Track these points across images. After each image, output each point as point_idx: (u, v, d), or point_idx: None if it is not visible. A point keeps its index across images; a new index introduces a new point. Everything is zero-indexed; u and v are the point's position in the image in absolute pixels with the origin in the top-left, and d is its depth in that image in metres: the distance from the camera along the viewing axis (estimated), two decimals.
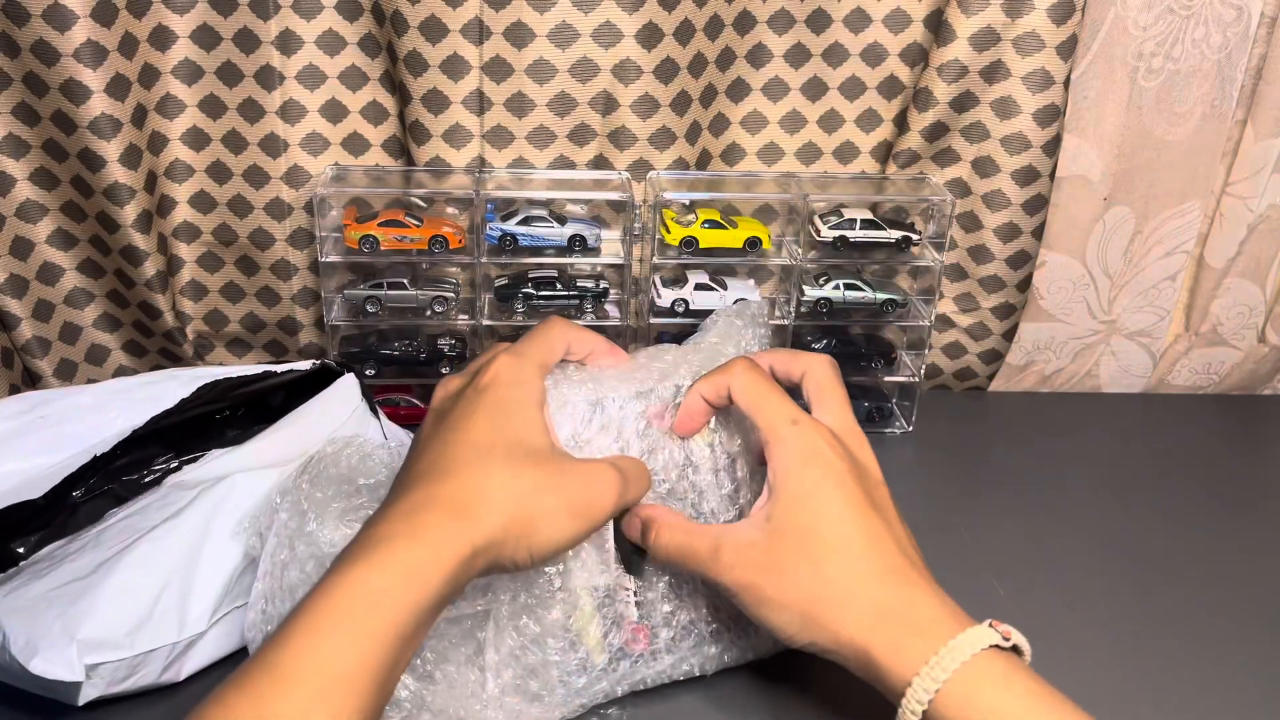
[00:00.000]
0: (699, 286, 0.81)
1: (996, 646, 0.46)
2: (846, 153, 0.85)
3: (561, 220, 0.80)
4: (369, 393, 0.71)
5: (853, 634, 0.47)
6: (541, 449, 0.50)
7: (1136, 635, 0.65)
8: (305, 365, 0.71)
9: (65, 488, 0.62)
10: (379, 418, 0.70)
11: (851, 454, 0.52)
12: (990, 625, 0.46)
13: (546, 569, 0.53)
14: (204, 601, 0.57)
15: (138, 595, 0.55)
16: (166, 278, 0.81)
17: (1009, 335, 0.91)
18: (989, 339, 0.91)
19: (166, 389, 0.68)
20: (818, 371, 0.56)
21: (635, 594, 0.56)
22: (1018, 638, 0.47)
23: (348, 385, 0.69)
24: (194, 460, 0.64)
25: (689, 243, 0.80)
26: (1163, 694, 0.61)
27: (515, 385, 0.52)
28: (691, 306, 0.81)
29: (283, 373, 0.70)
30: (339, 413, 0.67)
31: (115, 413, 0.66)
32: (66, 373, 0.84)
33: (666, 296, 0.81)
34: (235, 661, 0.59)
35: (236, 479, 0.61)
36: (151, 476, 0.64)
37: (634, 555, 0.56)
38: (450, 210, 0.81)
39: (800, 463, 0.51)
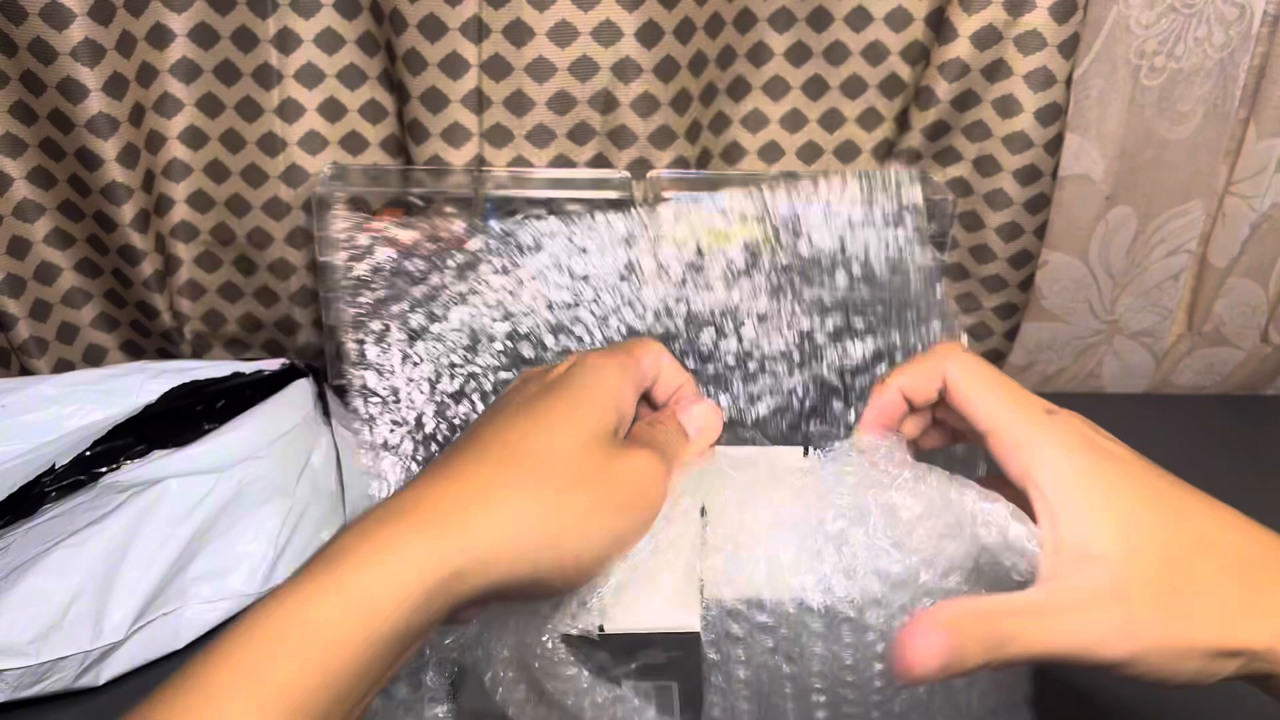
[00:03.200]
0: None
1: None
2: (847, 152, 0.85)
3: None
4: (325, 398, 0.70)
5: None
6: (576, 448, 0.40)
7: None
8: (275, 364, 0.71)
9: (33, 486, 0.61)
10: (330, 425, 0.68)
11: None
12: None
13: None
14: (123, 609, 0.56)
15: (47, 602, 0.54)
16: (164, 277, 0.81)
17: (1011, 335, 0.90)
18: (991, 339, 0.90)
19: (133, 382, 0.67)
20: (963, 363, 0.42)
21: None
22: None
23: (300, 390, 0.68)
24: (137, 458, 0.63)
25: None
26: (1162, 694, 0.60)
27: (587, 373, 0.43)
28: None
29: (251, 373, 0.70)
30: (288, 418, 0.66)
31: (78, 404, 0.66)
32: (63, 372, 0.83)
33: None
34: (159, 668, 0.59)
35: (170, 484, 0.60)
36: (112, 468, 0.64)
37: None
38: (449, 209, 0.80)
39: (1081, 462, 0.37)
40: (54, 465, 0.62)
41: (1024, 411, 0.39)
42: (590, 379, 0.43)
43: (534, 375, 0.46)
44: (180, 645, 0.60)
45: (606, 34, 0.75)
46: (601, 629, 0.42)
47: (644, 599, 0.43)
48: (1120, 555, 0.37)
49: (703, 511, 0.45)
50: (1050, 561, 0.37)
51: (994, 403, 0.40)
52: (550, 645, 0.43)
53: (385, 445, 0.52)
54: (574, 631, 0.42)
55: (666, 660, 0.45)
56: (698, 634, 0.44)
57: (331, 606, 0.34)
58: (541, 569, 0.38)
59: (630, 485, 0.41)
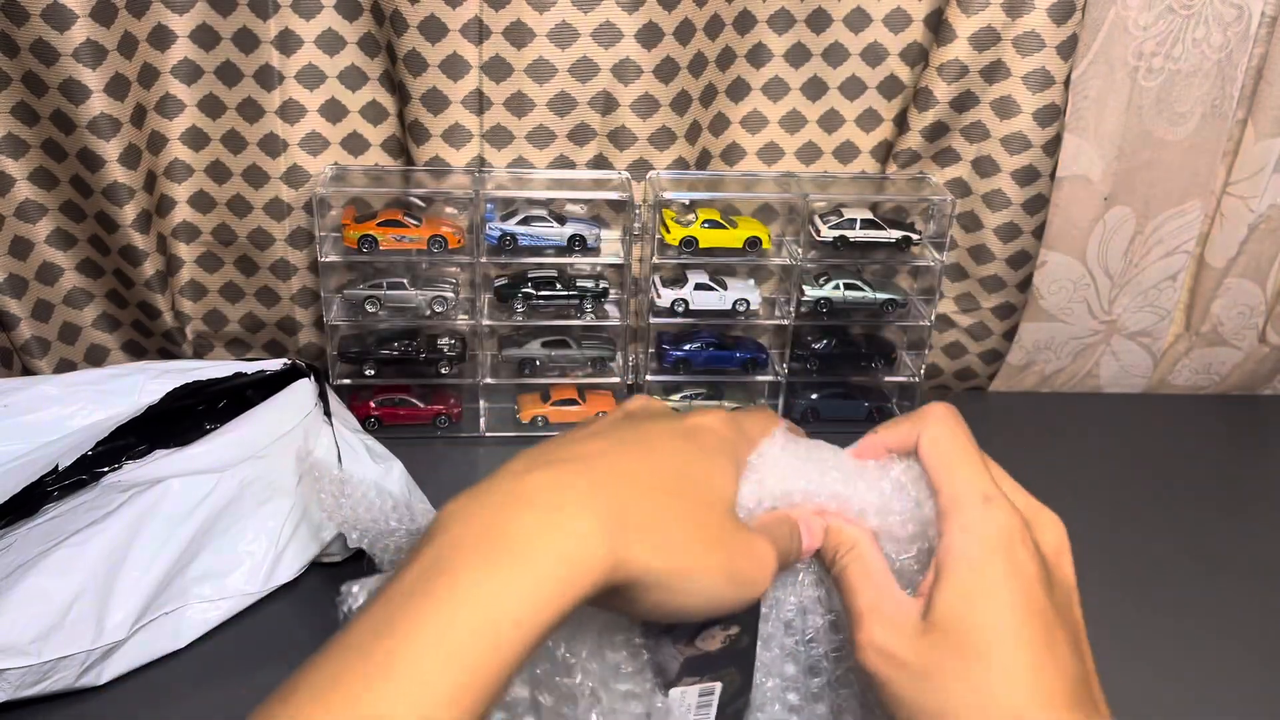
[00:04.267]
0: (699, 286, 0.81)
1: None
2: (846, 152, 0.85)
3: (561, 220, 0.80)
4: (326, 397, 0.70)
5: None
6: (722, 501, 0.43)
7: (1136, 635, 0.65)
8: (276, 364, 0.71)
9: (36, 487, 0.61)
10: (332, 425, 0.69)
11: (1041, 550, 0.44)
12: None
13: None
14: (125, 608, 0.56)
15: (49, 601, 0.54)
16: (166, 278, 0.81)
17: (1009, 335, 0.90)
18: (989, 339, 0.90)
19: (134, 382, 0.67)
20: (935, 431, 0.46)
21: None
22: None
23: (301, 389, 0.68)
24: (139, 458, 0.63)
25: (689, 242, 0.79)
26: (1162, 694, 0.61)
27: (724, 438, 0.45)
28: (691, 306, 0.81)
29: (252, 373, 0.70)
30: (289, 418, 0.66)
31: (80, 404, 0.66)
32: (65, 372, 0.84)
33: (666, 296, 0.81)
34: (161, 667, 0.59)
35: (171, 484, 0.60)
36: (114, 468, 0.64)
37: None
38: (449, 210, 0.81)
39: (984, 553, 0.42)
40: (56, 465, 0.62)
41: (967, 488, 0.44)
42: (719, 446, 0.45)
43: (659, 410, 0.47)
44: (182, 644, 0.60)
45: (606, 35, 0.75)
46: None
47: None
48: (939, 626, 0.42)
49: None
50: (916, 598, 0.43)
51: (948, 470, 0.45)
52: (626, 640, 0.44)
53: None
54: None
55: (724, 644, 0.46)
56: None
57: (515, 600, 0.34)
58: (648, 597, 0.39)
59: (748, 564, 0.42)
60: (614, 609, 0.40)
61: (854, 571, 0.45)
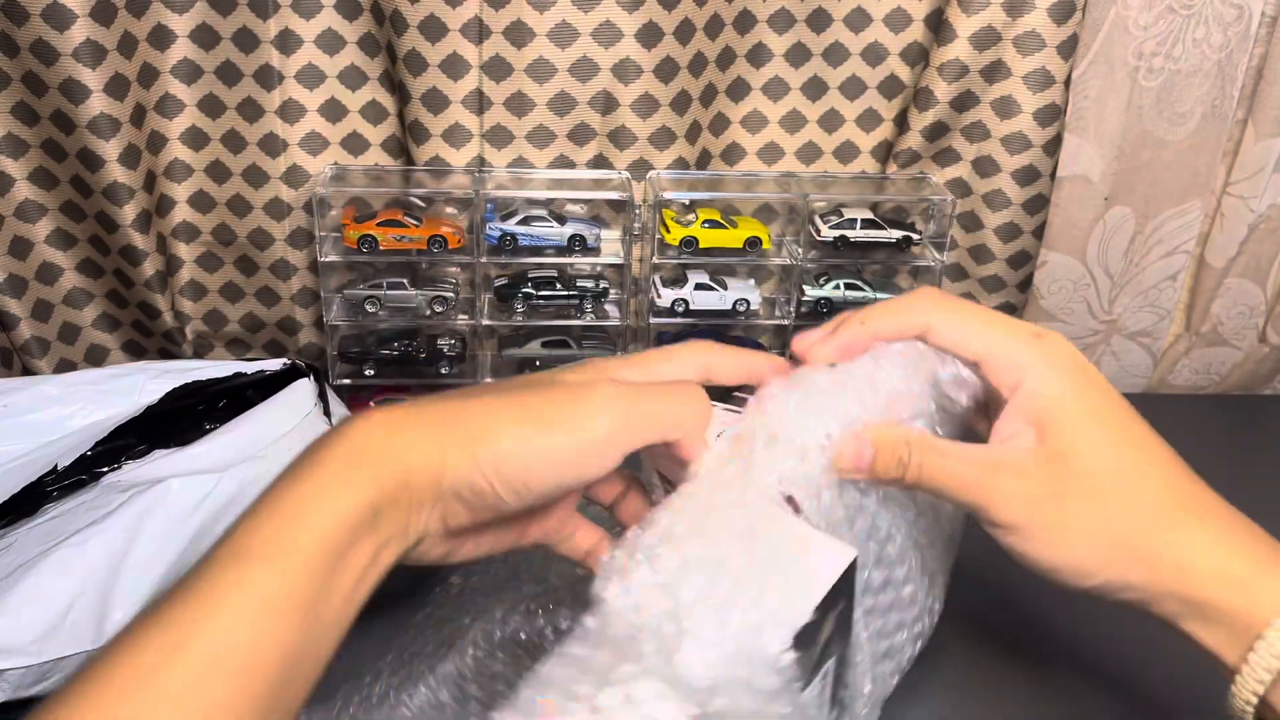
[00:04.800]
0: (699, 286, 0.81)
1: None
2: (847, 152, 0.85)
3: (561, 220, 0.80)
4: (326, 397, 0.70)
5: (1186, 558, 0.41)
6: (551, 380, 0.42)
7: (1135, 634, 0.65)
8: (276, 364, 0.71)
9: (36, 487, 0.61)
10: (332, 424, 0.68)
11: None
12: None
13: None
14: (125, 609, 0.56)
15: (50, 601, 0.54)
16: (166, 278, 0.81)
17: None
18: None
19: (135, 382, 0.67)
20: (942, 314, 0.45)
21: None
22: None
23: (302, 389, 0.68)
24: (139, 458, 0.63)
25: (689, 242, 0.79)
26: (1160, 693, 0.61)
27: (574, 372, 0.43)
28: (691, 306, 0.81)
29: (252, 373, 0.70)
30: (289, 418, 0.66)
31: (80, 404, 0.66)
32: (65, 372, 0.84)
33: (666, 296, 0.81)
34: None
35: (171, 483, 0.60)
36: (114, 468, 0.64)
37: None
38: (449, 210, 0.81)
39: (1067, 378, 0.43)
40: (56, 465, 0.62)
41: (1014, 336, 0.44)
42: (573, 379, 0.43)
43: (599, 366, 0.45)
44: None
45: (606, 35, 0.75)
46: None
47: (792, 579, 0.40)
48: (1063, 453, 0.42)
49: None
50: (1015, 441, 0.43)
51: (984, 333, 0.44)
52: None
53: None
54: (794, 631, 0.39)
55: (835, 625, 0.44)
56: (855, 557, 0.42)
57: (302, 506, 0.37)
58: (465, 474, 0.38)
59: (569, 404, 0.40)
60: (499, 539, 0.42)
61: (932, 464, 0.43)
